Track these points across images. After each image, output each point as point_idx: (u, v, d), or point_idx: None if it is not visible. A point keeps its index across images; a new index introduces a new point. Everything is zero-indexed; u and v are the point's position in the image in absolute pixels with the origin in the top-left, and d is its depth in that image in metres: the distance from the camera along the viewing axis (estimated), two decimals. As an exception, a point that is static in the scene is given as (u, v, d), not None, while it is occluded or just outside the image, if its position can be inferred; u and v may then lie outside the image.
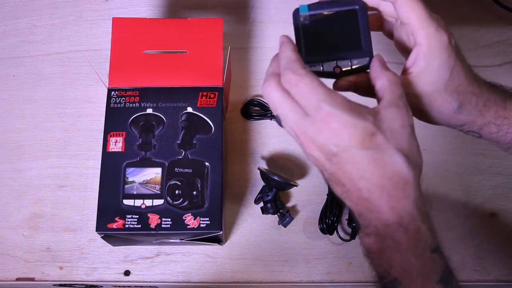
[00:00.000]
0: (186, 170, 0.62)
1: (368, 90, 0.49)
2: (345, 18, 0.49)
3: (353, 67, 0.49)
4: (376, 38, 0.52)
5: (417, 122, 0.52)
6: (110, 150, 0.63)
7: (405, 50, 0.51)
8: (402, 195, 0.43)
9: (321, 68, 0.49)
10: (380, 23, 0.53)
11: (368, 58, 0.49)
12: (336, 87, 0.50)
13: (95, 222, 0.60)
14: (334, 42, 0.50)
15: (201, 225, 0.60)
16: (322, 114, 0.43)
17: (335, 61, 0.49)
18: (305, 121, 0.44)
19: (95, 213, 0.60)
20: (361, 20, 0.49)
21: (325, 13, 0.50)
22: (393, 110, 0.44)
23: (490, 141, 0.53)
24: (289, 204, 0.71)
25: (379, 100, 0.46)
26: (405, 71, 0.49)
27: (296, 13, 0.50)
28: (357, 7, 0.49)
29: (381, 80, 0.46)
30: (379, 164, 0.43)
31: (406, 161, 0.43)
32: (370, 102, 0.47)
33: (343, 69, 0.49)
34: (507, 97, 0.51)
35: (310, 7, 0.50)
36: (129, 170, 0.62)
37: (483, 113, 0.50)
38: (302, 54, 0.49)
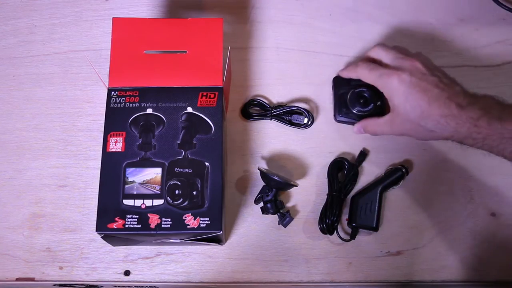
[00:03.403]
0: (186, 170, 0.62)
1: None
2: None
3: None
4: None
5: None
6: (110, 150, 0.63)
7: None
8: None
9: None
10: None
11: None
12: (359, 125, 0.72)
13: (95, 222, 0.60)
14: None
15: (201, 225, 0.60)
16: None
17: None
18: None
19: (95, 213, 0.60)
20: None
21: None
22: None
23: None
24: (289, 204, 0.71)
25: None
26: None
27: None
28: None
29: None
30: None
31: None
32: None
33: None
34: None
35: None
36: (129, 170, 0.62)
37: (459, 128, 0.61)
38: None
